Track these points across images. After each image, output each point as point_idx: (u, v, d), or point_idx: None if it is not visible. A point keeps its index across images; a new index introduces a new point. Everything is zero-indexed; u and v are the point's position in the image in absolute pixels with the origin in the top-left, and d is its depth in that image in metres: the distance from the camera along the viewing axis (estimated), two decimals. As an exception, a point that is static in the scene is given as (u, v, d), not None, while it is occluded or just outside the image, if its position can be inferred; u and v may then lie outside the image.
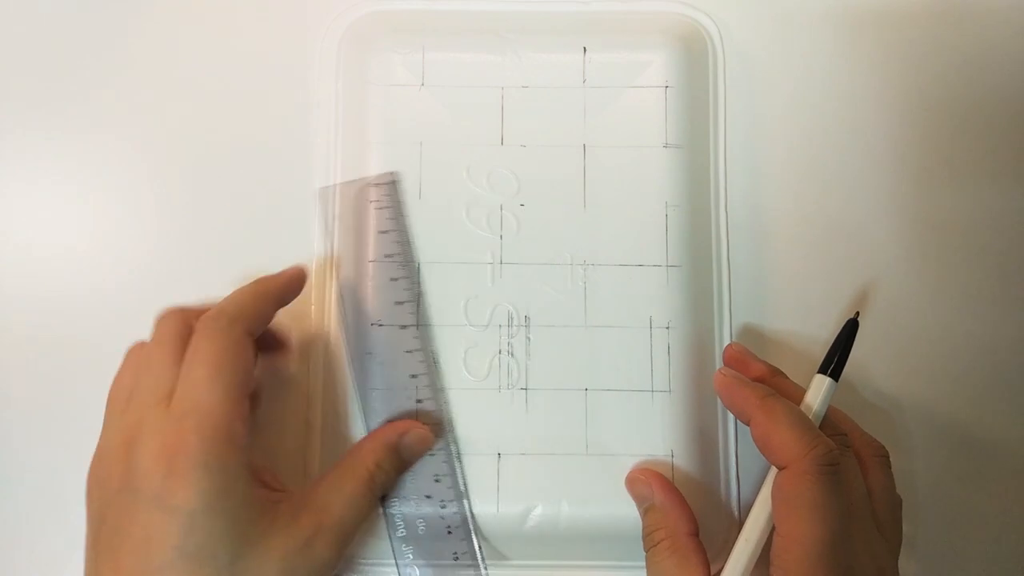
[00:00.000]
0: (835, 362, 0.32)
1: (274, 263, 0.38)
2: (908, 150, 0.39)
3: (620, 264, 0.36)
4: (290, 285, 0.34)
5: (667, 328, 0.36)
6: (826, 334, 0.38)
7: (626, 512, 0.34)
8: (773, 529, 0.29)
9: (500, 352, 0.36)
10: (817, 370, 0.32)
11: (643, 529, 0.33)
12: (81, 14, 0.40)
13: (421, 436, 0.34)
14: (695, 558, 0.31)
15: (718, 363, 0.36)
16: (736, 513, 0.35)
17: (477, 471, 0.35)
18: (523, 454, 0.35)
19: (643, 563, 0.33)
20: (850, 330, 0.33)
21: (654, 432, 0.35)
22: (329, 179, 0.38)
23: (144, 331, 0.38)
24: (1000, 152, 0.39)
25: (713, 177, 0.38)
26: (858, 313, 0.34)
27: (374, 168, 0.37)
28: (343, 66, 0.38)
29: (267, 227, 0.38)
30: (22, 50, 0.40)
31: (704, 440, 0.35)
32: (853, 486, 0.30)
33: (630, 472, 0.34)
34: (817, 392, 0.32)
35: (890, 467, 0.33)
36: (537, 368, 0.36)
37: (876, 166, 0.39)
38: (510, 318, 0.36)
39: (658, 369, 0.35)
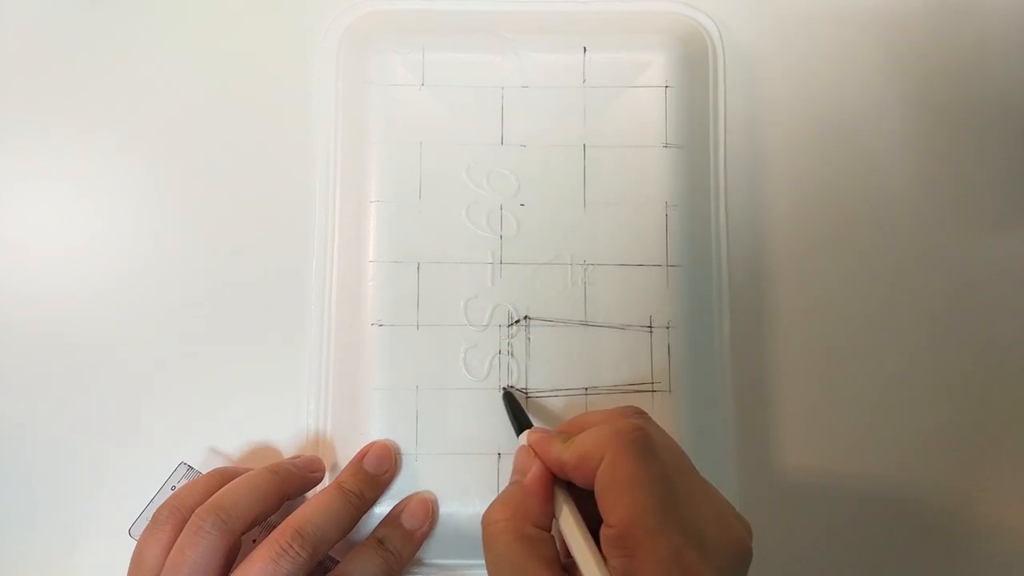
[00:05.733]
0: (520, 421, 0.34)
1: (274, 263, 0.38)
2: (908, 148, 0.39)
3: (620, 264, 0.36)
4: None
5: (667, 328, 0.36)
6: (825, 334, 0.38)
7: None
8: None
9: (500, 352, 0.36)
10: (518, 435, 0.33)
11: (498, 501, 0.30)
12: (80, 14, 0.40)
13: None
14: (545, 550, 0.27)
15: (718, 363, 0.36)
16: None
17: (477, 471, 0.35)
18: (523, 454, 0.35)
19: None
20: (509, 400, 0.35)
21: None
22: (329, 179, 0.38)
23: (143, 331, 0.38)
24: (1000, 150, 0.39)
25: (713, 177, 0.38)
26: (504, 388, 0.35)
27: (374, 168, 0.37)
28: (343, 66, 0.38)
29: (267, 227, 0.38)
30: (22, 51, 0.40)
31: (704, 439, 0.35)
32: (667, 446, 0.28)
33: (530, 436, 0.31)
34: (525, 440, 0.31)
35: (649, 418, 0.30)
36: (537, 368, 0.36)
37: (876, 165, 0.39)
38: (510, 318, 0.36)
39: (658, 369, 0.35)
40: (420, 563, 0.35)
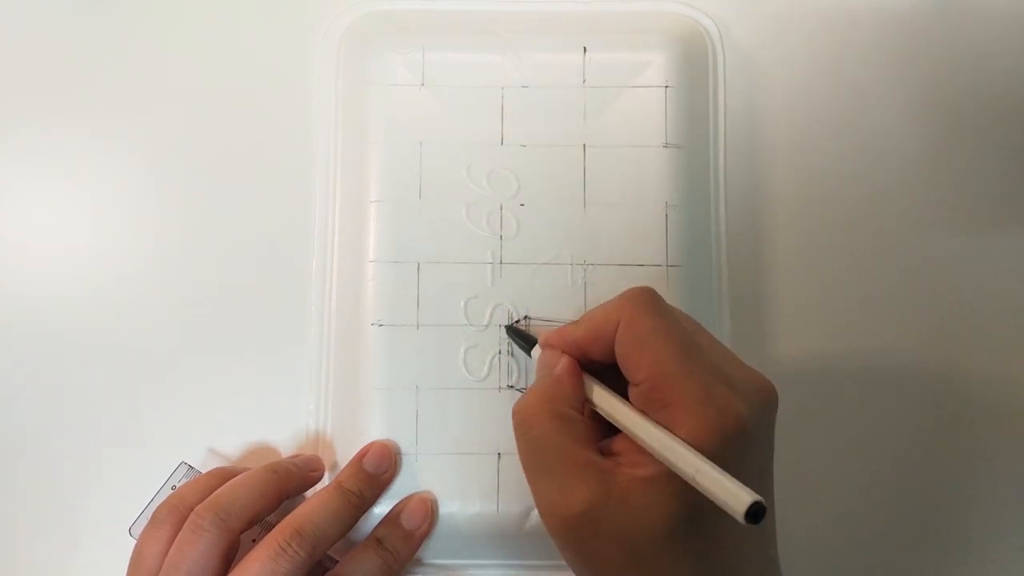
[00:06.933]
0: (528, 342, 0.34)
1: (274, 263, 0.38)
2: (907, 148, 0.39)
3: (620, 264, 0.36)
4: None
5: (667, 328, 0.36)
6: (825, 333, 0.38)
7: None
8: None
9: (500, 352, 0.36)
10: (532, 350, 0.33)
11: (529, 391, 0.30)
12: (81, 14, 0.40)
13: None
14: (582, 430, 0.27)
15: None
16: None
17: (477, 471, 0.35)
18: (523, 454, 0.35)
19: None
20: (512, 331, 0.35)
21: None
22: (329, 179, 0.38)
23: (143, 331, 0.38)
24: (1000, 149, 0.39)
25: (713, 177, 0.38)
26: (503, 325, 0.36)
27: (374, 168, 0.37)
28: (343, 66, 0.38)
29: (267, 227, 0.38)
30: (22, 51, 0.40)
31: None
32: (676, 309, 0.29)
33: (544, 336, 0.31)
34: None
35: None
36: (537, 368, 0.36)
37: (875, 164, 0.39)
38: (510, 318, 0.36)
39: (658, 369, 0.35)
40: (420, 563, 0.35)
